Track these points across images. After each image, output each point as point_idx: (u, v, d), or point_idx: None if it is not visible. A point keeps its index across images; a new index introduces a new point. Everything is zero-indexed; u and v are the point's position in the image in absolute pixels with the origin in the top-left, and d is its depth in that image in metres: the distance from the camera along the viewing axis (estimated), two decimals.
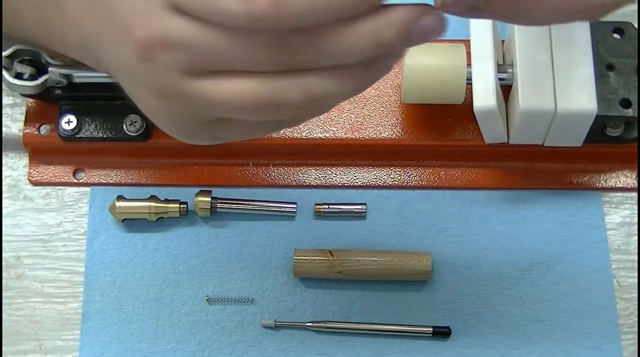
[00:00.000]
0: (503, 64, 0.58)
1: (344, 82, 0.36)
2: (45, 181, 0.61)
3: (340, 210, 0.60)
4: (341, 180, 0.62)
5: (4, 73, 0.55)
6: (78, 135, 0.60)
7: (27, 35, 0.51)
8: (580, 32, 0.56)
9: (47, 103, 0.61)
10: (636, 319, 0.58)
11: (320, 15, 0.33)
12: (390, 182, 0.61)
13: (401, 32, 0.34)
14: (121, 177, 0.62)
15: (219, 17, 0.34)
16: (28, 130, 0.61)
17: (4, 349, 0.57)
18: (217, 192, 0.60)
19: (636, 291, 0.59)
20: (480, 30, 0.56)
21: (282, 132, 0.60)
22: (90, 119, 0.60)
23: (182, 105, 0.39)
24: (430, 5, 0.35)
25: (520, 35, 0.56)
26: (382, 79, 0.61)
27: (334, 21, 0.34)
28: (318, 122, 0.60)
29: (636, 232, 0.60)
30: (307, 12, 0.33)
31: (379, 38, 0.34)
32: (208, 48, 0.36)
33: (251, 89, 0.36)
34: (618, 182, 0.61)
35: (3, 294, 0.58)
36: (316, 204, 0.60)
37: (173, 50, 0.36)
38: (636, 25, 0.57)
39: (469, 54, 0.56)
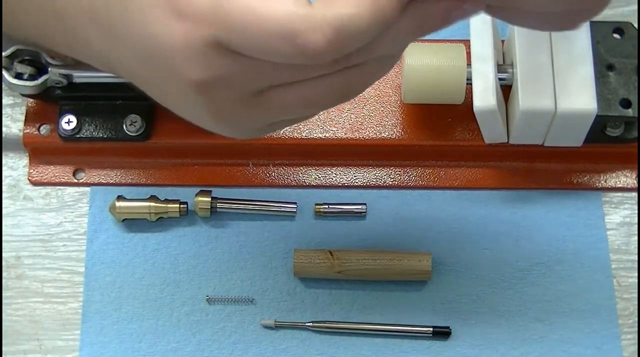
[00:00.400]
0: (503, 64, 0.58)
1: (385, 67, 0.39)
2: (45, 181, 0.61)
3: (340, 210, 0.60)
4: (341, 180, 0.62)
5: (4, 73, 0.55)
6: (78, 135, 0.60)
7: (27, 35, 0.51)
8: (580, 32, 0.56)
9: (47, 103, 0.61)
10: (636, 319, 0.58)
11: (374, 34, 0.35)
12: (390, 182, 0.61)
13: (443, 21, 0.37)
14: (121, 177, 0.62)
15: (270, 58, 0.35)
16: (28, 130, 0.61)
17: (4, 349, 0.57)
18: (217, 192, 0.60)
19: (636, 291, 0.59)
20: (480, 30, 0.56)
21: (282, 132, 0.60)
22: (90, 119, 0.60)
23: (238, 122, 0.40)
24: None
25: (520, 35, 0.56)
26: (382, 79, 0.62)
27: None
28: (318, 122, 0.60)
29: (636, 232, 0.60)
30: (364, 37, 0.34)
31: (420, 31, 0.37)
32: (260, 76, 0.37)
33: (305, 95, 0.38)
34: (618, 182, 0.61)
35: (3, 294, 0.58)
36: (316, 204, 0.60)
37: (227, 86, 0.37)
38: (636, 25, 0.57)
39: (469, 54, 0.56)
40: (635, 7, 0.65)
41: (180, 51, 0.37)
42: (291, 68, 0.36)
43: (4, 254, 0.59)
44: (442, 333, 0.57)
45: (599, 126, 0.57)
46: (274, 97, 0.38)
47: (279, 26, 0.34)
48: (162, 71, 0.39)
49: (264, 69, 0.36)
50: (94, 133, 0.60)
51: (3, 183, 0.61)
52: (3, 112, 0.63)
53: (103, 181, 0.61)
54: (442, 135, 0.60)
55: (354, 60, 0.36)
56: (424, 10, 0.36)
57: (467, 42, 0.56)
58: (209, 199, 0.59)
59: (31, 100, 0.61)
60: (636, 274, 0.59)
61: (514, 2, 0.39)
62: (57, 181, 0.61)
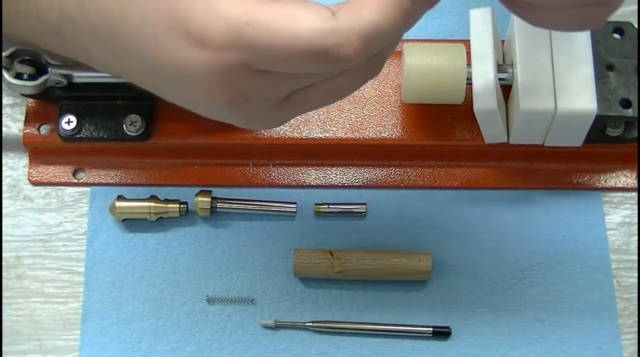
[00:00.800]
0: (503, 64, 0.58)
1: None
2: (45, 181, 0.61)
3: (340, 210, 0.60)
4: (341, 180, 0.62)
5: (4, 73, 0.55)
6: (78, 135, 0.60)
7: (25, 38, 0.51)
8: (580, 32, 0.56)
9: (47, 103, 0.61)
10: (636, 319, 0.58)
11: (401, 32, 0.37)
12: (390, 182, 0.61)
13: None
14: (121, 177, 0.62)
15: (301, 72, 0.36)
16: (28, 130, 0.61)
17: (4, 349, 0.57)
18: (217, 192, 0.60)
19: (636, 291, 0.59)
20: (480, 30, 0.56)
21: (282, 132, 0.60)
22: (90, 119, 0.60)
23: (267, 123, 0.43)
24: None
25: (520, 35, 0.56)
26: (382, 79, 0.62)
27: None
28: (318, 122, 0.60)
29: (636, 232, 0.60)
30: (391, 38, 0.36)
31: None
32: (288, 86, 0.38)
33: (329, 91, 0.39)
34: (618, 182, 0.61)
35: (3, 294, 0.58)
36: (316, 204, 0.60)
37: (257, 98, 0.38)
38: (636, 25, 0.57)
39: (469, 54, 0.56)
40: (635, 7, 0.65)
41: (206, 77, 0.37)
42: (317, 74, 0.37)
43: (4, 254, 0.59)
44: (442, 333, 0.57)
45: (599, 126, 0.57)
46: (299, 98, 0.39)
47: (309, 46, 0.34)
48: (185, 89, 0.39)
49: (291, 79, 0.37)
50: (94, 133, 0.60)
51: (3, 183, 0.61)
52: (3, 112, 0.63)
53: (103, 181, 0.61)
54: (442, 135, 0.60)
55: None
56: None
57: (467, 42, 0.56)
58: (209, 199, 0.59)
59: (31, 100, 0.61)
60: (636, 274, 0.59)
61: None
62: (57, 181, 0.61)
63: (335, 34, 0.34)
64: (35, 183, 0.61)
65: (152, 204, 0.59)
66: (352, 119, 0.61)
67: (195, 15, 0.35)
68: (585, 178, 0.61)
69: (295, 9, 0.34)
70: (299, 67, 0.35)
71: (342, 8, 0.35)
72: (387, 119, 0.61)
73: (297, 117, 0.59)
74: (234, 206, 0.60)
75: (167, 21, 0.37)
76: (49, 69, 0.56)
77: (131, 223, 0.60)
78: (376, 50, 0.36)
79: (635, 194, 0.61)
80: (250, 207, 0.60)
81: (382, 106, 0.61)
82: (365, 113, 0.61)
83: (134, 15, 0.38)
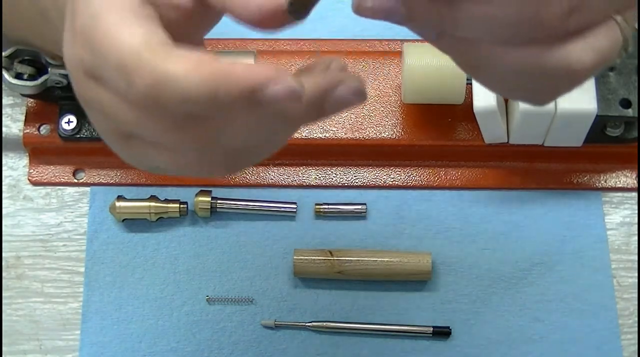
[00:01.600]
0: None
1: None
2: (45, 181, 0.61)
3: (340, 210, 0.60)
4: (341, 180, 0.62)
5: (4, 73, 0.55)
6: (78, 135, 0.60)
7: (22, 35, 0.51)
8: None
9: (47, 103, 0.61)
10: (636, 319, 0.58)
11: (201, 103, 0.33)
12: (390, 182, 0.61)
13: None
14: (121, 177, 0.62)
15: (113, 83, 0.34)
16: (28, 130, 0.61)
17: (4, 349, 0.57)
18: (217, 192, 0.60)
19: (636, 291, 0.59)
20: None
21: None
22: None
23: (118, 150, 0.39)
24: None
25: None
26: (382, 79, 0.62)
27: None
28: (318, 122, 0.60)
29: (636, 232, 0.60)
30: (184, 101, 0.32)
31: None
32: (116, 117, 0.36)
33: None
34: (618, 182, 0.61)
35: (3, 294, 0.58)
36: (316, 204, 0.60)
37: (96, 109, 0.37)
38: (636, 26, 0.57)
39: None
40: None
41: (70, 65, 0.36)
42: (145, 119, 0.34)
43: (4, 254, 0.59)
44: (442, 333, 0.57)
45: (599, 126, 0.57)
46: (138, 143, 0.36)
47: (119, 57, 0.33)
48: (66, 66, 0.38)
49: (116, 105, 0.35)
50: (94, 133, 0.60)
51: (3, 183, 0.61)
52: (3, 112, 0.63)
53: (103, 181, 0.61)
54: (442, 135, 0.60)
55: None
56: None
57: None
58: (209, 199, 0.59)
59: (31, 100, 0.61)
60: (636, 274, 0.59)
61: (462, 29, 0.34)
62: (57, 181, 0.61)
63: (140, 60, 0.32)
64: (35, 183, 0.61)
65: (152, 204, 0.59)
66: (352, 119, 0.61)
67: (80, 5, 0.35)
68: (585, 178, 0.61)
69: (135, 24, 0.34)
70: (110, 78, 0.34)
71: (170, 46, 0.33)
72: (387, 119, 0.61)
73: None
74: (234, 206, 0.60)
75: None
76: (49, 69, 0.56)
77: (131, 223, 0.60)
78: (168, 106, 0.33)
79: (635, 194, 0.61)
80: (250, 207, 0.60)
81: (382, 106, 0.61)
82: (365, 113, 0.61)
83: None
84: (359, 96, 0.34)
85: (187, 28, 0.37)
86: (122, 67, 0.33)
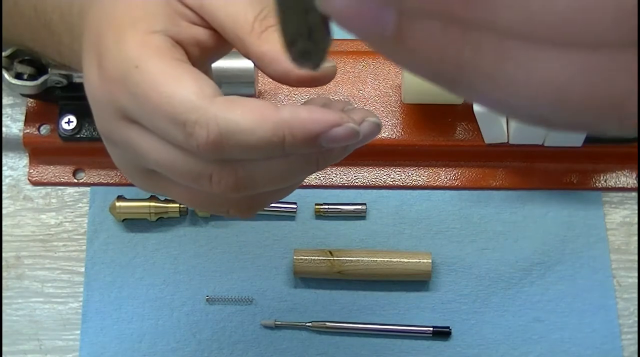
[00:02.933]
0: None
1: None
2: (45, 181, 0.61)
3: (340, 210, 0.60)
4: (341, 180, 0.62)
5: (4, 73, 0.55)
6: (78, 136, 0.60)
7: (22, 39, 0.51)
8: None
9: (47, 103, 0.61)
10: (636, 319, 0.58)
11: (263, 154, 0.34)
12: (390, 182, 0.61)
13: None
14: (121, 177, 0.61)
15: (163, 136, 0.35)
16: (28, 130, 0.61)
17: (4, 349, 0.57)
18: None
19: (636, 291, 0.59)
20: None
21: None
22: (90, 119, 0.59)
23: (134, 181, 0.40)
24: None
25: None
26: (382, 79, 0.62)
27: None
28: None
29: (636, 232, 0.60)
30: (250, 151, 0.33)
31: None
32: (152, 158, 0.36)
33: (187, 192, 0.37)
34: (618, 182, 0.61)
35: (3, 294, 0.58)
36: (316, 204, 0.60)
37: (123, 148, 0.38)
38: None
39: None
40: None
41: (94, 96, 0.36)
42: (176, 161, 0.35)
43: (4, 254, 0.59)
44: (442, 333, 0.57)
45: None
46: (158, 177, 0.37)
47: (173, 111, 0.33)
48: (91, 102, 0.38)
49: (150, 147, 0.35)
50: (94, 133, 0.60)
51: (3, 183, 0.61)
52: (3, 112, 0.63)
53: (103, 181, 0.61)
54: (442, 135, 0.60)
55: (248, 167, 0.35)
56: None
57: None
58: None
59: (31, 100, 0.61)
60: (636, 274, 0.59)
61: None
62: (57, 180, 0.61)
63: (200, 112, 0.33)
64: (35, 183, 0.61)
65: (152, 204, 0.59)
66: None
67: (105, 37, 0.35)
68: (585, 178, 0.61)
69: (184, 74, 0.34)
70: (158, 127, 0.34)
71: (224, 97, 0.34)
72: (387, 119, 0.61)
73: None
74: None
75: (94, 30, 0.36)
76: (49, 69, 0.56)
77: (131, 223, 0.60)
78: (231, 155, 0.33)
79: (635, 194, 0.61)
80: None
81: (382, 106, 0.61)
82: None
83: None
84: (379, 128, 0.36)
85: (203, 61, 0.38)
86: (178, 119, 0.33)
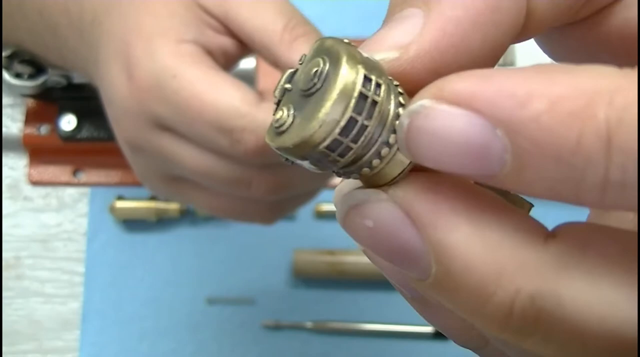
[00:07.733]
0: (503, 64, 0.57)
1: None
2: (45, 180, 0.61)
3: None
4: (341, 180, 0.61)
5: (4, 73, 0.55)
6: (78, 136, 0.60)
7: (22, 40, 0.51)
8: None
9: (46, 103, 0.61)
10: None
11: None
12: None
13: None
14: (121, 177, 0.62)
15: (205, 144, 0.35)
16: (28, 130, 0.61)
17: (4, 349, 0.57)
18: None
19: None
20: None
21: None
22: (90, 119, 0.60)
23: (154, 188, 0.41)
24: None
25: None
26: None
27: None
28: None
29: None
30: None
31: None
32: (182, 164, 0.37)
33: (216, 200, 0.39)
34: None
35: (3, 294, 0.58)
36: (316, 204, 0.60)
37: (150, 155, 0.38)
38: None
39: None
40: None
41: (122, 105, 0.36)
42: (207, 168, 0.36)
43: (4, 254, 0.59)
44: (442, 334, 0.57)
45: None
46: (185, 188, 0.38)
47: (218, 118, 0.33)
48: (110, 104, 0.39)
49: (183, 159, 0.36)
50: (94, 133, 0.60)
51: (3, 183, 0.61)
52: (3, 112, 0.63)
53: (103, 181, 0.61)
54: None
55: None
56: None
57: None
58: None
59: (31, 100, 0.61)
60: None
61: None
62: (57, 180, 0.61)
63: (247, 118, 0.33)
64: (35, 183, 0.61)
65: (152, 204, 0.59)
66: None
67: (135, 47, 0.35)
68: None
69: (224, 81, 0.34)
70: (200, 135, 0.34)
71: (268, 103, 0.34)
72: None
73: None
74: None
75: (119, 40, 0.37)
76: (49, 69, 0.56)
77: (131, 223, 0.60)
78: (275, 159, 0.34)
79: None
80: None
81: None
82: None
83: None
84: None
85: (226, 70, 0.38)
86: (224, 126, 0.33)
